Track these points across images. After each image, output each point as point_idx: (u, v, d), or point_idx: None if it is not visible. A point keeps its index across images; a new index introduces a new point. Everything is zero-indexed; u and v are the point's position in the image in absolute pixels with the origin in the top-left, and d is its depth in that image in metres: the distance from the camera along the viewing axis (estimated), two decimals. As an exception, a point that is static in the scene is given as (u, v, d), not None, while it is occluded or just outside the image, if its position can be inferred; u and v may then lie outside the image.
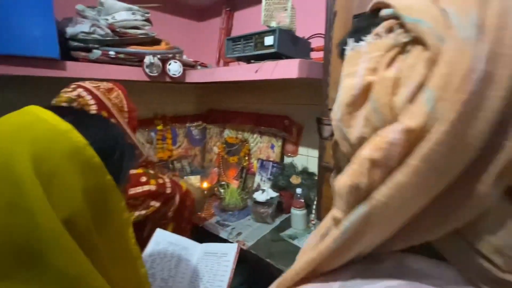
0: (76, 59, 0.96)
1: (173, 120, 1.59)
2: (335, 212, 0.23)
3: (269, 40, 0.87)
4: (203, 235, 1.16)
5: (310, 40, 1.11)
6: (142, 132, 1.43)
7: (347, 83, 0.24)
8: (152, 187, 0.66)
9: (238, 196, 1.20)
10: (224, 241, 1.05)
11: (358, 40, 0.25)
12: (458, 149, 0.18)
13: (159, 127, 1.52)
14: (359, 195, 0.21)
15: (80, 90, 0.70)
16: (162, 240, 0.61)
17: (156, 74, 1.13)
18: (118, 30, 1.06)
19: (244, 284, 1.15)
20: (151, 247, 0.60)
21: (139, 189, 0.64)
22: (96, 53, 0.99)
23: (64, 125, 0.32)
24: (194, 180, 1.58)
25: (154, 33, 1.18)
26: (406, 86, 0.20)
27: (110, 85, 0.78)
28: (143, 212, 0.64)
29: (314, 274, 0.24)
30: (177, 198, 0.71)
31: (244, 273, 1.40)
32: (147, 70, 1.11)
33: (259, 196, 1.12)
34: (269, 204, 1.11)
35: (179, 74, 1.19)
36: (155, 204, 0.66)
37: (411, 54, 0.20)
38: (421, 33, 0.19)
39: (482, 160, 0.18)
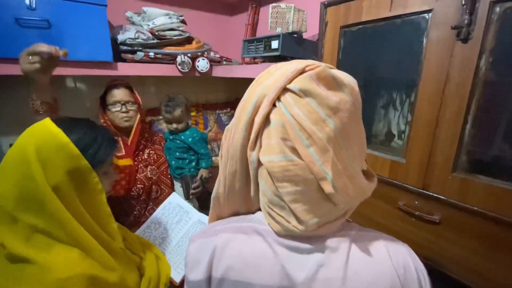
0: (124, 60, 1.21)
1: (204, 107, 1.81)
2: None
3: (274, 44, 0.99)
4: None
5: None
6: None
7: None
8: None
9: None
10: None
11: None
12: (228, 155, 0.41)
13: (193, 113, 1.76)
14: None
15: None
16: (173, 201, 0.85)
17: (187, 70, 1.34)
18: (157, 33, 1.28)
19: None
20: (164, 204, 0.85)
21: None
22: (139, 54, 1.22)
23: (56, 130, 0.54)
24: (220, 160, 1.81)
25: (187, 33, 1.37)
26: None
27: None
28: None
29: (219, 217, 0.48)
30: None
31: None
32: (179, 67, 1.32)
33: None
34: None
35: (206, 70, 1.38)
36: None
37: None
38: None
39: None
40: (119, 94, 1.09)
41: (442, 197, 0.62)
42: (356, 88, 0.37)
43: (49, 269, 0.49)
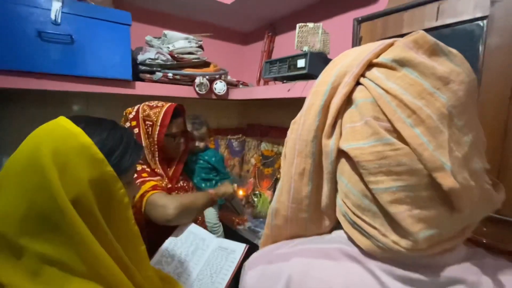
0: (142, 80, 1.18)
1: (216, 132, 1.76)
2: None
3: (301, 63, 0.97)
4: (235, 238, 1.26)
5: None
6: (189, 142, 1.63)
7: None
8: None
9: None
10: (254, 245, 1.13)
11: None
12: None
13: (204, 138, 1.70)
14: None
15: (138, 106, 0.94)
16: (184, 227, 0.73)
17: (204, 92, 1.31)
18: (176, 55, 1.27)
19: None
20: (176, 231, 0.72)
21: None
22: (158, 75, 1.20)
23: (76, 130, 0.44)
24: (231, 188, 1.71)
25: (205, 57, 1.37)
26: None
27: (161, 103, 0.95)
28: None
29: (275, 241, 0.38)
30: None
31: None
32: (197, 89, 1.29)
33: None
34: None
35: (224, 92, 1.36)
36: None
37: None
38: None
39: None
40: (182, 123, 1.01)
41: (518, 222, 0.54)
42: (467, 62, 0.29)
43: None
